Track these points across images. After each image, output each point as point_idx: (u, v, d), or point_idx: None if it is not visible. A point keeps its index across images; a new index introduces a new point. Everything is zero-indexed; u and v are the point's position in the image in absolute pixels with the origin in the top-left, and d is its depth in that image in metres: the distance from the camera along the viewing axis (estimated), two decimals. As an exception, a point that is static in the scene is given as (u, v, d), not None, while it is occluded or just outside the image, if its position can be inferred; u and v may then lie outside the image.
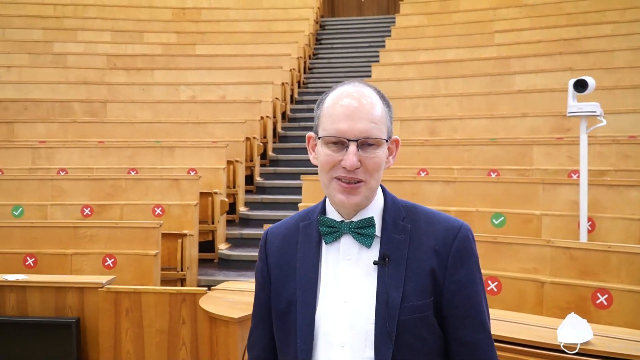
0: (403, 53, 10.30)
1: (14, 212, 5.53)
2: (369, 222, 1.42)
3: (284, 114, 9.99)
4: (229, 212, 6.77)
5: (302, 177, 5.74)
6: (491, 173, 5.57)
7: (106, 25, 12.34)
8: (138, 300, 3.62)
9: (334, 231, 1.43)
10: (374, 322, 1.38)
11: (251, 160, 7.79)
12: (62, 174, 6.26)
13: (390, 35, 11.67)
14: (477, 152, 5.84)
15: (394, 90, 8.41)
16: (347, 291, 1.41)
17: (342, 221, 1.43)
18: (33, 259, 4.61)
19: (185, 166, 6.41)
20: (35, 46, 10.99)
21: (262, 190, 7.75)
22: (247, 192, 7.71)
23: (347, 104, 1.38)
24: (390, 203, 1.47)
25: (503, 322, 2.73)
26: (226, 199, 6.34)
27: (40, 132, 7.33)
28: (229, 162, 6.80)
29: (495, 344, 2.42)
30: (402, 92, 8.39)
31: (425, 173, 5.82)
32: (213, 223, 6.07)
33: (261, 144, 8.07)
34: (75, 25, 12.27)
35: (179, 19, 13.21)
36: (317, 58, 12.86)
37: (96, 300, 3.70)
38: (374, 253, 1.42)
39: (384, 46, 11.06)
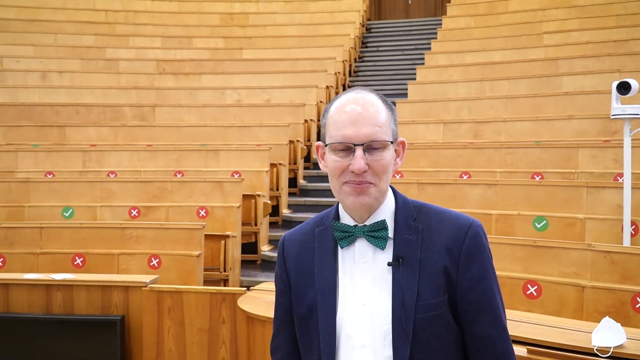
0: (448, 55, 10.21)
1: (64, 214, 5.75)
2: (382, 225, 1.45)
3: (328, 117, 10.05)
4: (272, 214, 6.87)
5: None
6: (535, 176, 5.47)
7: (157, 31, 12.65)
8: (180, 299, 3.72)
9: (348, 235, 1.47)
10: (391, 322, 1.42)
11: (294, 163, 7.87)
12: (112, 176, 6.47)
13: (436, 38, 11.59)
14: (520, 155, 5.75)
15: (438, 93, 8.36)
16: (365, 293, 1.46)
17: (355, 225, 1.47)
18: (82, 259, 4.78)
19: (230, 169, 6.52)
20: (87, 52, 11.36)
21: (305, 192, 7.82)
22: (291, 194, 7.79)
23: (350, 110, 1.43)
24: (401, 204, 1.51)
25: (539, 326, 2.70)
26: (269, 201, 6.43)
27: (91, 136, 7.59)
28: (273, 165, 6.89)
29: (530, 347, 2.40)
30: (446, 94, 8.33)
31: (467, 176, 5.76)
32: (256, 225, 6.16)
33: (305, 147, 8.13)
34: (126, 32, 12.61)
35: (227, 24, 13.44)
36: (363, 61, 12.88)
37: (140, 299, 3.82)
38: (388, 254, 1.46)
39: (429, 49, 10.99)
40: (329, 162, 1.46)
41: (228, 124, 7.70)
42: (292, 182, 7.95)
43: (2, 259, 4.95)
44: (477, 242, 1.47)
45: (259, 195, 6.15)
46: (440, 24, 12.53)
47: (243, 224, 6.05)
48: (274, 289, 1.60)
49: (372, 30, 14.54)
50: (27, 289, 4.02)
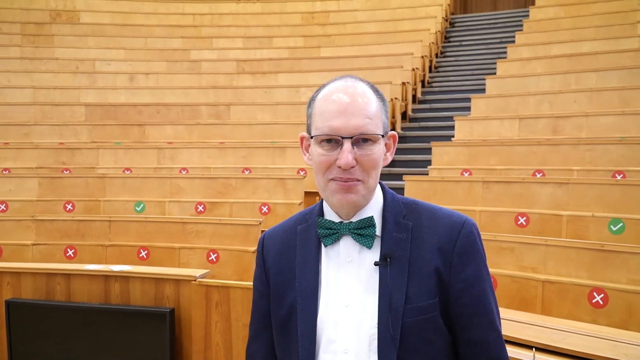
0: (533, 47, 9.73)
1: (136, 208, 5.96)
2: (369, 222, 1.35)
3: (405, 114, 9.85)
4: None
5: (404, 177, 5.61)
6: (616, 175, 5.07)
7: (239, 32, 12.94)
8: (227, 294, 3.74)
9: (333, 233, 1.37)
10: (377, 326, 1.31)
11: (366, 161, 7.75)
12: (184, 172, 6.65)
13: (522, 30, 11.09)
14: (600, 152, 5.34)
15: (517, 87, 7.97)
16: (349, 295, 1.35)
17: (340, 222, 1.37)
18: (146, 252, 4.93)
19: (296, 166, 6.52)
20: (173, 54, 11.79)
21: (377, 190, 7.69)
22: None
23: (339, 100, 1.32)
24: (390, 200, 1.41)
25: (586, 337, 2.47)
26: (334, 199, 6.37)
27: (169, 134, 7.84)
28: (340, 162, 6.82)
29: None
30: (527, 88, 7.92)
31: (541, 174, 5.43)
32: (320, 222, 6.12)
33: (376, 144, 8.01)
34: (211, 34, 12.98)
35: (308, 23, 13.52)
36: (445, 56, 12.55)
37: (190, 293, 3.87)
38: (375, 254, 1.35)
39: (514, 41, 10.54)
40: (314, 156, 1.36)
41: (299, 122, 7.71)
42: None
43: (73, 250, 5.20)
44: (471, 242, 1.36)
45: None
46: (528, 15, 11.99)
47: (308, 222, 6.02)
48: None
49: (456, 24, 14.16)
50: (87, 279, 4.19)
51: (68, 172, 6.85)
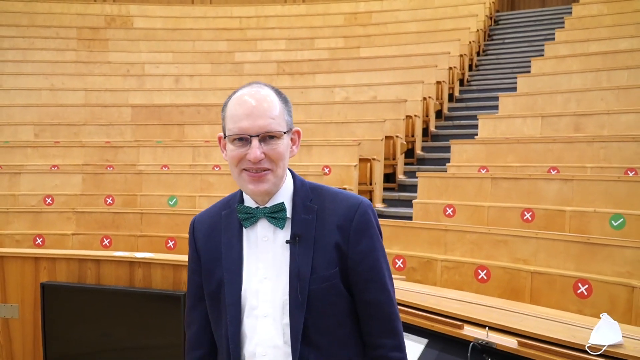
0: (571, 45, 9.67)
1: (170, 202, 6.37)
2: (280, 207, 1.58)
3: (440, 113, 9.96)
4: (365, 208, 7.02)
5: (418, 174, 5.79)
6: (628, 172, 5.11)
7: (283, 34, 13.26)
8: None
9: (251, 217, 1.59)
10: (288, 293, 1.56)
11: (394, 159, 7.94)
12: (216, 169, 7.02)
13: (563, 27, 11.00)
14: (614, 149, 5.38)
15: (549, 85, 7.98)
16: (267, 269, 1.59)
17: (257, 207, 1.59)
18: (173, 242, 5.31)
19: (321, 163, 6.79)
20: (219, 56, 12.23)
21: (403, 187, 7.87)
22: (389, 189, 7.89)
23: (246, 104, 1.53)
24: (299, 186, 1.63)
25: (546, 321, 2.63)
26: (356, 195, 6.59)
27: (206, 133, 8.25)
28: (365, 160, 7.05)
29: (522, 339, 2.37)
30: (558, 86, 7.91)
31: (556, 171, 5.51)
32: (342, 217, 6.36)
33: (404, 142, 8.17)
34: (256, 36, 13.36)
35: (350, 23, 13.73)
36: (486, 55, 12.54)
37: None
38: (287, 233, 1.59)
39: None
40: (228, 152, 1.57)
41: (327, 121, 7.97)
42: (392, 177, 8.05)
43: (109, 240, 5.64)
44: (365, 219, 1.59)
45: (345, 189, 6.33)
46: (570, 12, 11.85)
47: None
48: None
49: (500, 22, 14.08)
50: (114, 264, 4.56)
51: (111, 168, 7.35)
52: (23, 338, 4.81)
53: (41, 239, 5.97)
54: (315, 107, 8.71)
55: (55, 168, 7.40)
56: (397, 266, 4.42)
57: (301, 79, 10.36)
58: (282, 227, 1.58)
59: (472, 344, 2.50)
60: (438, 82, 9.79)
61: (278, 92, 1.61)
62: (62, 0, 14.66)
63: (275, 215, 1.58)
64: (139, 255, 4.56)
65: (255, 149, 1.51)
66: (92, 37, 13.06)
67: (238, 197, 1.66)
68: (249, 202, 1.62)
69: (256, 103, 1.53)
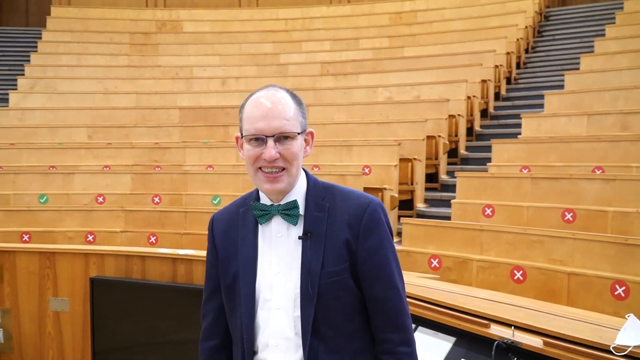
0: (622, 41, 9.39)
1: (213, 201, 6.55)
2: (294, 204, 1.66)
3: (485, 112, 9.86)
4: (406, 208, 7.04)
5: (456, 174, 5.77)
6: (676, 171, 4.98)
7: (328, 35, 13.34)
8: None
9: (266, 213, 1.67)
10: (299, 287, 1.64)
11: (436, 158, 7.92)
12: (259, 169, 7.16)
13: (614, 22, 10.69)
14: (661, 148, 5.24)
15: (598, 83, 7.78)
16: (280, 263, 1.67)
17: (271, 205, 1.67)
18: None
19: (361, 163, 6.84)
20: (264, 58, 12.42)
21: (445, 187, 7.83)
22: (432, 189, 7.87)
23: (262, 106, 1.62)
24: (312, 185, 1.71)
25: (572, 321, 2.63)
26: (396, 195, 6.62)
27: (250, 134, 8.39)
28: (406, 160, 7.06)
29: (547, 339, 2.38)
30: (606, 84, 7.72)
31: (600, 171, 5.41)
32: (382, 217, 6.40)
33: (447, 142, 8.14)
34: (301, 37, 13.48)
35: (395, 23, 13.70)
36: (535, 52, 12.31)
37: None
38: (299, 229, 1.66)
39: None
40: (245, 151, 1.65)
41: (369, 121, 8.01)
42: (435, 177, 8.03)
43: (155, 237, 5.85)
44: (375, 218, 1.66)
45: (385, 189, 6.38)
46: (622, 7, 11.50)
47: (370, 216, 6.33)
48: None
49: (551, 18, 13.78)
50: (158, 261, 4.76)
51: (159, 169, 7.60)
52: (73, 330, 5.06)
53: (92, 236, 6.24)
54: (358, 107, 8.76)
55: (107, 168, 7.70)
56: (432, 266, 4.44)
57: (344, 80, 10.42)
58: (295, 224, 1.66)
59: (496, 342, 2.52)
60: (483, 81, 9.68)
61: (293, 95, 1.69)
62: (115, 6, 15.17)
63: (288, 212, 1.65)
64: (181, 252, 4.74)
65: (271, 149, 1.58)
66: (143, 42, 13.46)
67: (254, 195, 1.74)
68: (264, 199, 1.70)
69: (271, 105, 1.61)
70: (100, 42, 13.28)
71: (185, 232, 5.73)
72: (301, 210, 1.67)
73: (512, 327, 2.58)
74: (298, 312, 1.63)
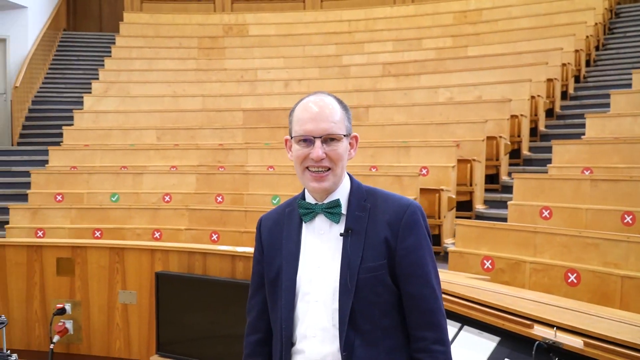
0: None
1: (273, 201, 6.73)
2: (336, 203, 1.77)
3: (551, 111, 9.64)
4: (464, 209, 7.01)
5: (513, 175, 5.70)
6: None
7: (390, 36, 13.32)
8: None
9: (310, 212, 1.80)
10: (338, 280, 1.73)
11: (497, 159, 7.84)
12: (318, 170, 7.30)
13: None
14: None
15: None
16: (321, 258, 1.78)
17: (315, 204, 1.79)
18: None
19: (419, 164, 6.86)
20: (326, 60, 12.55)
21: (507, 189, 7.72)
22: (493, 190, 7.79)
23: (311, 109, 1.76)
24: (355, 188, 1.82)
25: (613, 322, 2.61)
26: (454, 196, 6.61)
27: (309, 135, 8.54)
28: (465, 161, 7.03)
29: (587, 340, 2.40)
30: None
31: (667, 173, 5.24)
32: (439, 218, 6.41)
33: (509, 143, 8.03)
34: (364, 38, 13.52)
35: (459, 22, 13.52)
36: (606, 49, 11.91)
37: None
38: (341, 227, 1.77)
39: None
40: (294, 152, 1.79)
41: (428, 122, 8.01)
42: (496, 178, 7.94)
43: (217, 235, 6.10)
44: (414, 219, 1.76)
45: (442, 190, 6.38)
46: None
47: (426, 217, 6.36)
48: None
49: (622, 14, 13.28)
50: (219, 257, 4.97)
51: (222, 169, 7.87)
52: (139, 322, 5.36)
53: (159, 233, 6.56)
54: (418, 108, 8.77)
55: (174, 169, 8.04)
56: (485, 267, 4.44)
57: (406, 80, 10.42)
58: (337, 222, 1.77)
59: (537, 343, 2.54)
60: (549, 80, 9.47)
61: (339, 101, 1.81)
62: (184, 11, 15.69)
63: (331, 210, 1.77)
64: (240, 249, 4.94)
65: (318, 149, 1.71)
66: (211, 46, 13.87)
67: (301, 195, 1.87)
68: (309, 199, 1.82)
69: (319, 109, 1.75)
70: (170, 46, 13.77)
71: (245, 230, 5.94)
72: (343, 210, 1.77)
73: (555, 328, 2.59)
74: (336, 305, 1.72)
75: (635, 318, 2.67)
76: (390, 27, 13.74)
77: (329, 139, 1.72)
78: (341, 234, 1.75)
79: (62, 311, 5.30)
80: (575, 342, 2.49)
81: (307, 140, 1.73)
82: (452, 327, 3.13)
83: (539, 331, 2.65)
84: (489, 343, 2.93)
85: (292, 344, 1.79)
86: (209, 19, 15.17)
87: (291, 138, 1.81)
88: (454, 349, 3.22)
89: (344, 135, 1.75)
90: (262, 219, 1.96)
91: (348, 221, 1.76)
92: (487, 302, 3.03)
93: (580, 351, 2.45)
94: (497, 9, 13.42)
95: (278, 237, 1.86)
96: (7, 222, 7.23)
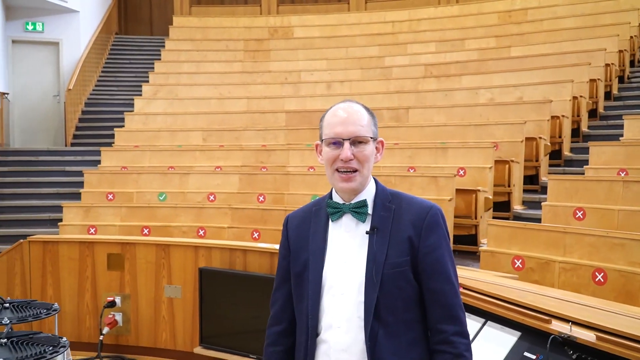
0: None
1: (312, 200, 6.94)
2: (363, 203, 1.90)
3: (595, 112, 9.55)
4: (502, 210, 7.07)
5: (548, 176, 5.74)
6: None
7: (434, 37, 13.33)
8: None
9: (338, 211, 1.92)
10: (364, 275, 1.86)
11: (536, 160, 7.84)
12: (357, 171, 7.47)
13: None
14: None
15: None
16: (347, 254, 1.90)
17: (343, 203, 1.92)
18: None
19: (456, 165, 6.95)
20: (369, 61, 12.67)
21: (546, 190, 7.71)
22: (532, 191, 7.80)
23: (340, 114, 1.89)
24: (380, 190, 1.96)
25: (629, 318, 2.71)
26: (490, 197, 6.67)
27: (350, 136, 8.71)
28: (503, 162, 7.08)
29: (599, 334, 2.52)
30: None
31: None
32: (475, 218, 6.50)
33: (549, 144, 8.02)
34: (407, 39, 13.56)
35: (504, 22, 13.43)
36: (652, 50, 11.66)
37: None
38: (367, 226, 1.90)
39: None
40: (324, 154, 1.91)
41: (467, 123, 8.07)
42: (536, 179, 7.94)
43: (258, 233, 6.34)
44: (436, 220, 1.90)
45: (478, 190, 6.46)
46: None
47: (463, 217, 6.46)
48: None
49: (671, 13, 12.95)
50: (258, 254, 5.21)
51: (264, 169, 8.13)
52: (184, 315, 5.65)
53: (203, 231, 6.86)
54: (458, 109, 8.82)
55: (218, 169, 8.35)
56: (515, 266, 4.53)
57: (447, 82, 10.46)
58: (363, 221, 1.90)
59: (552, 336, 2.66)
60: (592, 80, 9.38)
61: (366, 108, 1.95)
62: (232, 14, 16.07)
63: (358, 210, 1.90)
64: (278, 246, 5.16)
65: (347, 150, 1.84)
66: (256, 48, 14.18)
67: (328, 195, 2.00)
68: (337, 199, 1.95)
69: (348, 114, 1.88)
70: (217, 49, 14.14)
71: (285, 228, 6.16)
72: (369, 210, 1.90)
73: (570, 323, 2.71)
74: (361, 298, 1.84)
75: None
76: (433, 28, 13.74)
77: (357, 141, 1.85)
78: (367, 232, 1.88)
79: (112, 304, 5.65)
80: (588, 336, 2.60)
81: (337, 143, 1.86)
82: (476, 323, 3.27)
83: (556, 326, 2.76)
84: (511, 338, 3.05)
85: (317, 334, 1.90)
86: (255, 21, 15.46)
87: (321, 142, 1.93)
88: (478, 343, 3.36)
89: (371, 138, 1.88)
90: (288, 217, 2.10)
91: (374, 220, 1.89)
92: (509, 298, 3.15)
93: (593, 344, 2.56)
94: (543, 8, 13.27)
95: (305, 233, 1.98)
96: (61, 220, 7.66)
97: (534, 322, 2.91)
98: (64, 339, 2.41)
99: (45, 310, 2.87)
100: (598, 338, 2.55)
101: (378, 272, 1.83)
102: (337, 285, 1.88)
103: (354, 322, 1.85)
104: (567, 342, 2.65)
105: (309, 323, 1.89)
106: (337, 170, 1.87)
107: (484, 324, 3.28)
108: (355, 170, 1.86)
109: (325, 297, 1.89)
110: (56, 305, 2.95)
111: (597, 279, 3.99)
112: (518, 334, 3.04)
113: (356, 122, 1.86)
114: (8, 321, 2.57)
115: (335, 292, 1.88)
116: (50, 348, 2.45)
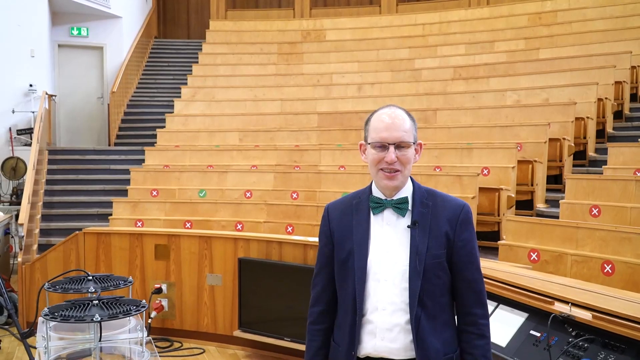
0: None
1: (343, 198, 7.35)
2: (404, 200, 2.11)
3: (620, 113, 9.74)
4: (527, 208, 7.37)
5: (565, 176, 6.03)
6: None
7: (464, 39, 13.54)
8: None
9: (380, 205, 2.11)
10: (408, 264, 2.06)
11: (560, 161, 8.11)
12: (386, 170, 7.85)
13: None
14: None
15: None
16: (389, 245, 2.10)
17: (385, 199, 2.12)
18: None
19: (481, 165, 7.28)
20: (399, 64, 12.97)
21: (569, 189, 7.99)
22: (556, 190, 8.07)
23: (386, 120, 2.08)
24: (417, 188, 2.17)
25: (625, 302, 3.04)
26: (513, 195, 6.98)
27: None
28: (527, 162, 7.38)
29: (595, 313, 2.86)
30: None
31: None
32: (498, 215, 6.82)
33: (572, 144, 8.27)
34: (437, 42, 13.80)
35: (534, 24, 13.58)
36: (682, 50, 11.73)
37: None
38: (407, 220, 2.11)
39: None
40: (369, 155, 2.11)
41: (493, 124, 8.37)
42: (560, 179, 8.20)
43: (291, 227, 6.79)
44: (468, 217, 2.14)
45: (501, 189, 6.78)
46: None
47: (486, 214, 6.79)
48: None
49: (703, 14, 12.96)
50: (292, 246, 5.64)
51: (298, 168, 8.57)
52: (224, 302, 6.12)
53: (241, 225, 7.33)
54: (484, 111, 9.11)
55: (254, 168, 8.83)
56: (531, 259, 4.87)
57: (475, 84, 10.72)
58: (403, 216, 2.10)
59: (552, 315, 3.03)
60: (617, 83, 9.57)
61: (408, 113, 2.15)
62: (266, 18, 16.54)
63: (399, 205, 2.10)
64: (311, 239, 5.59)
65: (392, 154, 2.04)
66: (289, 52, 14.61)
67: (367, 191, 2.18)
68: (378, 194, 2.14)
69: (392, 120, 2.08)
70: (252, 52, 14.61)
71: (317, 223, 6.58)
72: (409, 206, 2.11)
73: (570, 304, 3.07)
74: (405, 284, 2.05)
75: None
76: (463, 30, 13.90)
77: (400, 145, 2.05)
78: (409, 226, 2.08)
79: (159, 290, 6.14)
80: (585, 316, 2.96)
81: (382, 146, 2.05)
82: (490, 306, 3.64)
83: (558, 307, 3.12)
84: (519, 318, 3.42)
85: (363, 315, 2.08)
86: (288, 25, 15.88)
87: (367, 144, 2.12)
88: (491, 324, 3.73)
89: (412, 143, 2.09)
90: (329, 207, 2.26)
91: (414, 215, 2.09)
92: (518, 284, 3.52)
93: (589, 322, 2.91)
94: (573, 10, 13.37)
95: (348, 224, 2.15)
96: (111, 214, 8.22)
97: (539, 304, 3.28)
98: (143, 301, 2.91)
99: (122, 282, 3.36)
100: (594, 317, 2.91)
101: (421, 262, 2.04)
102: (380, 272, 2.08)
103: (397, 305, 2.06)
104: (567, 321, 3.01)
105: (356, 305, 2.08)
106: (381, 169, 2.08)
107: (496, 307, 3.65)
108: (397, 171, 2.06)
109: (370, 282, 2.08)
110: (130, 278, 3.43)
111: (605, 270, 4.31)
112: (525, 315, 3.40)
113: (399, 128, 2.05)
114: (93, 290, 3.07)
115: (380, 277, 2.08)
116: (134, 307, 2.93)
